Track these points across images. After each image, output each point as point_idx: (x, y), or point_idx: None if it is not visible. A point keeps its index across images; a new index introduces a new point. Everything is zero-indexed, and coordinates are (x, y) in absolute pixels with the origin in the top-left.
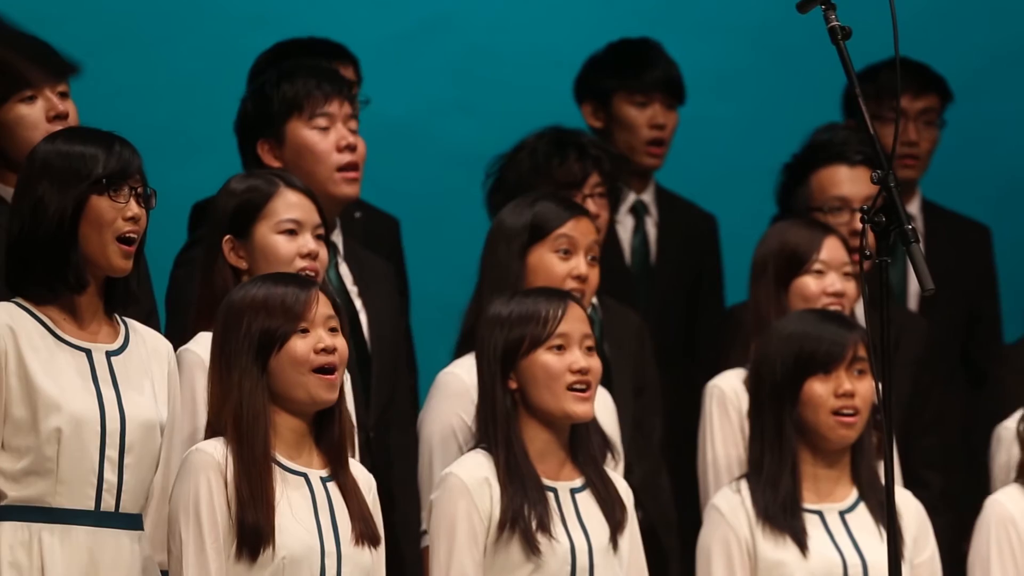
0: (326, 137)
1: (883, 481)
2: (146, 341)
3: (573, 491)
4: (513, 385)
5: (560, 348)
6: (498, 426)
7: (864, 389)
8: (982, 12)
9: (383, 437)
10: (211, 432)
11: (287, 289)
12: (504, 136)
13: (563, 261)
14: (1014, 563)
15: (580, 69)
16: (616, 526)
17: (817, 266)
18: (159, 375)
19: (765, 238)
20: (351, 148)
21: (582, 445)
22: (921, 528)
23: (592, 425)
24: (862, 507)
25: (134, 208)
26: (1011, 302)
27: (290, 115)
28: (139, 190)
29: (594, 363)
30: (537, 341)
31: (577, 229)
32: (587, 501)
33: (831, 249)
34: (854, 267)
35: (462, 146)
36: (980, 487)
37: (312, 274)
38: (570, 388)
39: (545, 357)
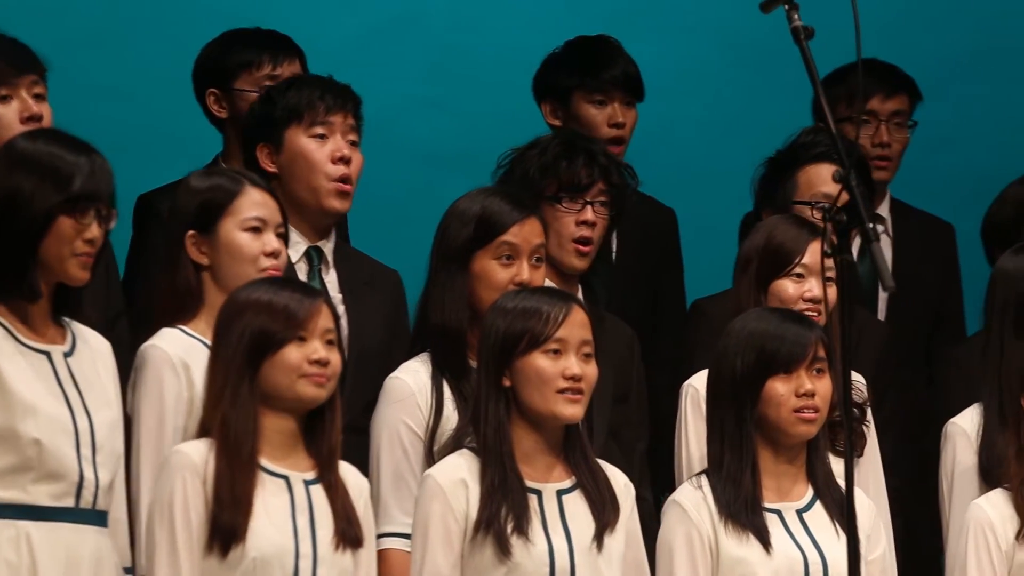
0: (322, 147)
1: (842, 480)
2: (88, 341)
3: (560, 492)
4: (507, 383)
5: (557, 352)
6: (488, 425)
7: (823, 388)
8: (947, 12)
9: (359, 439)
10: (202, 431)
11: (292, 296)
12: (475, 133)
13: (504, 268)
14: (991, 567)
15: (538, 68)
16: (604, 526)
17: (799, 269)
18: (105, 374)
19: (753, 233)
20: (345, 160)
21: (575, 445)
22: (873, 526)
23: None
24: (818, 505)
25: (94, 231)
26: (975, 301)
27: (290, 122)
28: (103, 212)
29: (589, 370)
30: (535, 342)
31: (521, 234)
32: (575, 502)
33: (815, 253)
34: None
35: (433, 143)
36: (936, 489)
37: (275, 272)
38: (560, 392)
39: (540, 360)
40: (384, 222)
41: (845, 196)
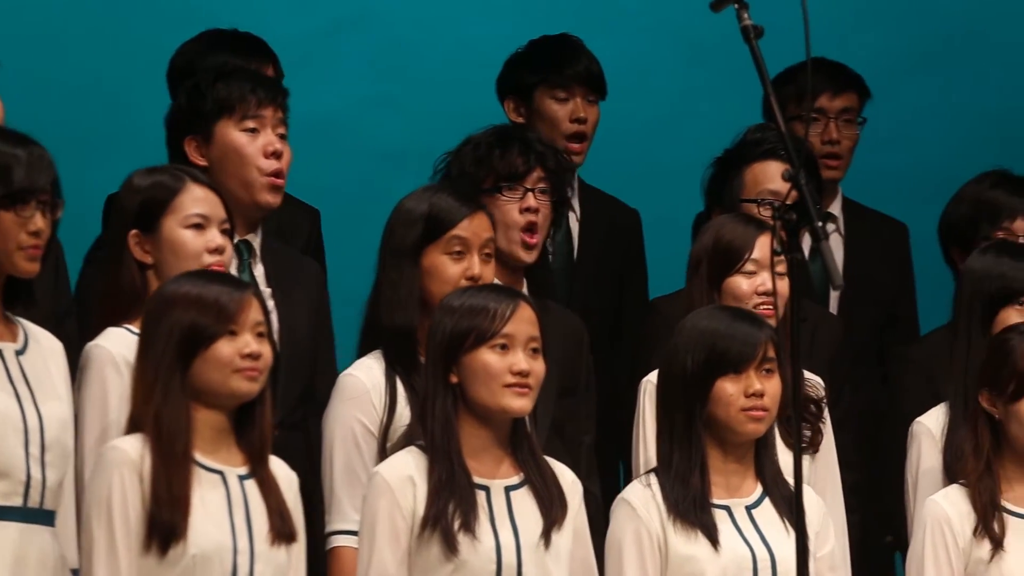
0: (254, 141)
1: (790, 477)
2: (40, 341)
3: (508, 488)
4: (454, 380)
5: (504, 348)
6: (436, 421)
7: (773, 388)
8: (896, 11)
9: (294, 435)
10: (132, 427)
11: (221, 289)
12: (426, 132)
13: (455, 262)
14: (949, 564)
15: (502, 66)
16: (552, 523)
17: (749, 265)
18: (57, 374)
19: (702, 234)
20: (277, 155)
21: (522, 442)
22: (823, 522)
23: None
24: (767, 502)
25: (38, 222)
26: (927, 300)
27: (221, 115)
28: (46, 202)
29: (537, 366)
30: (482, 338)
31: (471, 228)
32: (523, 499)
33: (764, 247)
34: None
35: (384, 142)
36: (888, 484)
37: (219, 268)
38: (507, 387)
39: (487, 355)
40: (337, 220)
41: (794, 194)
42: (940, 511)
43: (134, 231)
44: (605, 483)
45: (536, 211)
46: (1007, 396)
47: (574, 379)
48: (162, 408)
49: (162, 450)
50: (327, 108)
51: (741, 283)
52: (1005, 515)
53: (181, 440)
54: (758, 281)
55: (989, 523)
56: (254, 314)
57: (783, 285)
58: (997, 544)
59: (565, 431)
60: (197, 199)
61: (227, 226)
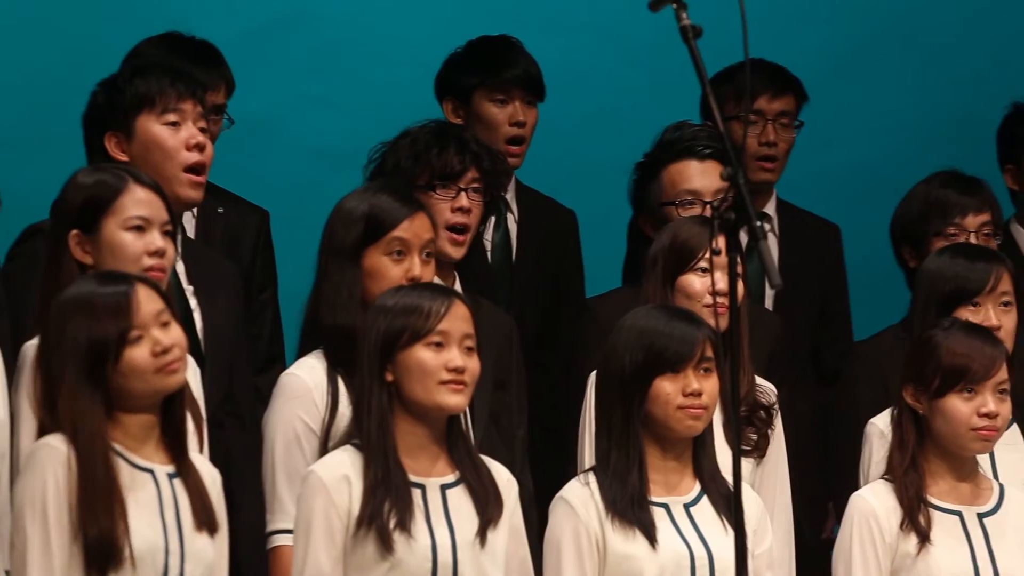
0: (176, 134)
1: (728, 474)
2: None
3: (444, 487)
4: (389, 378)
5: (439, 345)
6: (371, 419)
7: (711, 387)
8: (831, 12)
9: (215, 434)
10: (41, 432)
11: (109, 290)
12: (364, 131)
13: (396, 263)
14: (876, 558)
15: (441, 67)
16: (488, 522)
17: (703, 264)
18: None
19: (660, 233)
20: (200, 148)
21: (458, 440)
22: (760, 520)
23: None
24: (705, 500)
25: None
26: (859, 300)
27: (141, 109)
28: None
29: (472, 363)
30: (417, 335)
31: (411, 230)
32: (459, 497)
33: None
34: (742, 266)
35: (322, 141)
36: (843, 481)
37: (159, 272)
38: (443, 383)
39: (422, 352)
40: (276, 219)
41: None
42: (867, 506)
43: (75, 231)
44: (539, 482)
45: (468, 211)
46: (932, 392)
47: (506, 373)
48: (76, 422)
49: (82, 460)
50: (264, 107)
51: (694, 281)
52: (931, 510)
53: (100, 452)
54: (711, 281)
55: (915, 517)
56: (150, 306)
57: (739, 285)
58: (924, 538)
59: (500, 423)
60: (139, 201)
61: (170, 228)
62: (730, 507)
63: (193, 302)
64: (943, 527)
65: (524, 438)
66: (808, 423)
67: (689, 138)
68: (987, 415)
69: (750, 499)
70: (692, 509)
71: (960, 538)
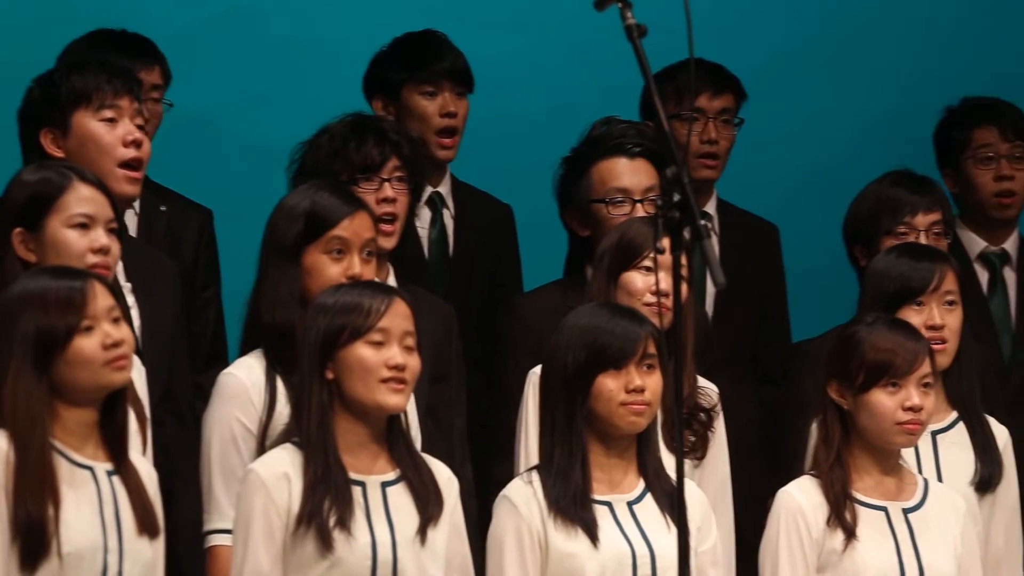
0: (112, 130)
1: (672, 472)
2: None
3: (384, 484)
4: (330, 376)
5: (379, 343)
6: (311, 417)
7: (653, 383)
8: (774, 11)
9: (155, 432)
10: None
11: (63, 284)
12: (307, 129)
13: (335, 262)
14: (803, 554)
15: (368, 65)
16: (428, 520)
17: (647, 263)
18: None
19: (609, 233)
20: (137, 144)
21: (398, 438)
22: (705, 517)
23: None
24: (649, 498)
25: None
26: (797, 301)
27: (77, 105)
28: None
29: (412, 361)
30: (357, 333)
31: (351, 228)
32: (399, 494)
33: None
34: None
35: (264, 138)
36: (774, 481)
37: (104, 270)
38: (383, 382)
39: (363, 350)
40: (218, 217)
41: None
42: (793, 502)
43: (18, 229)
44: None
45: (393, 201)
46: (857, 387)
47: (445, 364)
48: (18, 412)
49: (21, 452)
50: (205, 105)
51: (636, 279)
52: (856, 505)
53: (39, 442)
54: (653, 280)
55: (841, 513)
56: (103, 300)
57: (682, 286)
58: (850, 534)
59: (438, 416)
60: (83, 198)
61: (114, 226)
62: (674, 505)
63: (131, 299)
64: (869, 523)
65: (463, 429)
66: (748, 422)
67: (619, 135)
68: (912, 409)
69: (695, 497)
70: (635, 507)
71: (885, 534)
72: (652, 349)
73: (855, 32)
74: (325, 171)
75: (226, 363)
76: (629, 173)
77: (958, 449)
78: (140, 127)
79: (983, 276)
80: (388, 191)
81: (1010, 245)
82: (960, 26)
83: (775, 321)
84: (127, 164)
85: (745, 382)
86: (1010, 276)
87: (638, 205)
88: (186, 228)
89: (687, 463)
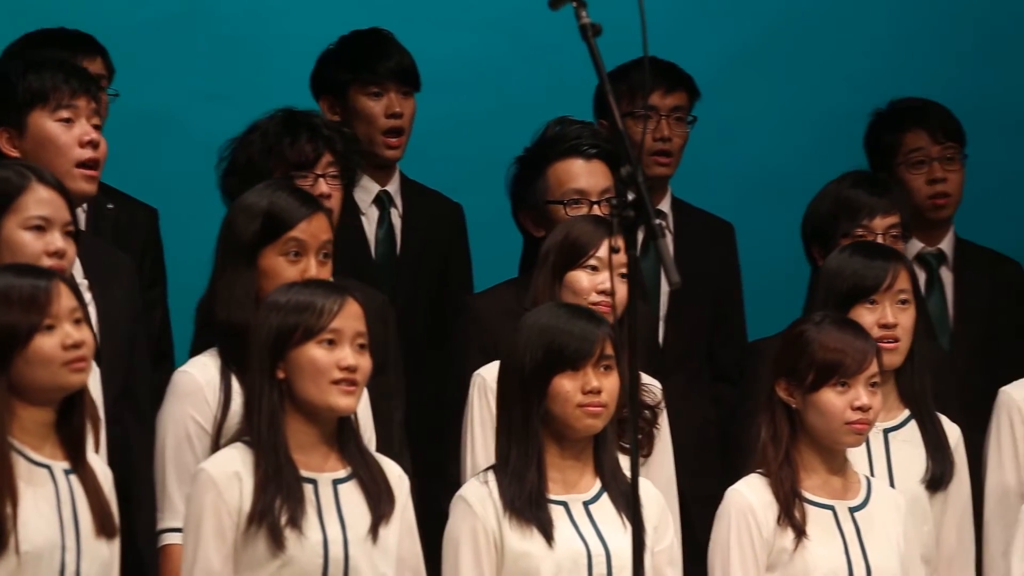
0: (69, 131)
1: (628, 472)
2: None
3: (335, 482)
4: (281, 375)
5: (331, 343)
6: (262, 416)
7: (610, 384)
8: (728, 10)
9: (111, 429)
10: None
11: (27, 282)
12: None
13: (292, 264)
14: (753, 552)
15: (314, 65)
16: (380, 518)
17: (592, 262)
18: None
19: (554, 230)
20: (93, 144)
21: (349, 436)
22: (661, 517)
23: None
24: (605, 497)
25: None
26: (753, 299)
27: (34, 105)
28: None
29: (363, 362)
30: (309, 333)
31: (308, 230)
32: (350, 492)
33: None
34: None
35: (216, 137)
36: (730, 480)
37: (59, 272)
38: (335, 383)
39: (314, 351)
40: (166, 216)
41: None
42: (744, 501)
43: None
44: (431, 483)
45: (328, 196)
46: (806, 386)
47: (383, 356)
48: None
49: None
50: (158, 103)
51: (582, 278)
52: (805, 504)
53: (3, 442)
54: (599, 279)
55: (791, 512)
56: (66, 301)
57: (623, 286)
58: (800, 533)
59: (378, 409)
60: (40, 200)
61: (71, 228)
62: (631, 505)
63: (88, 296)
64: (817, 522)
65: (402, 421)
66: (704, 421)
67: (574, 136)
68: (860, 408)
69: (651, 496)
70: (591, 507)
71: (834, 533)
72: (609, 350)
73: (811, 31)
74: (259, 168)
75: (172, 361)
76: (586, 175)
77: (910, 447)
78: (97, 127)
79: (920, 276)
80: (323, 187)
81: (946, 245)
82: (919, 26)
83: (731, 320)
84: (84, 164)
85: (701, 381)
86: (947, 276)
87: (595, 207)
88: (132, 227)
89: (624, 459)
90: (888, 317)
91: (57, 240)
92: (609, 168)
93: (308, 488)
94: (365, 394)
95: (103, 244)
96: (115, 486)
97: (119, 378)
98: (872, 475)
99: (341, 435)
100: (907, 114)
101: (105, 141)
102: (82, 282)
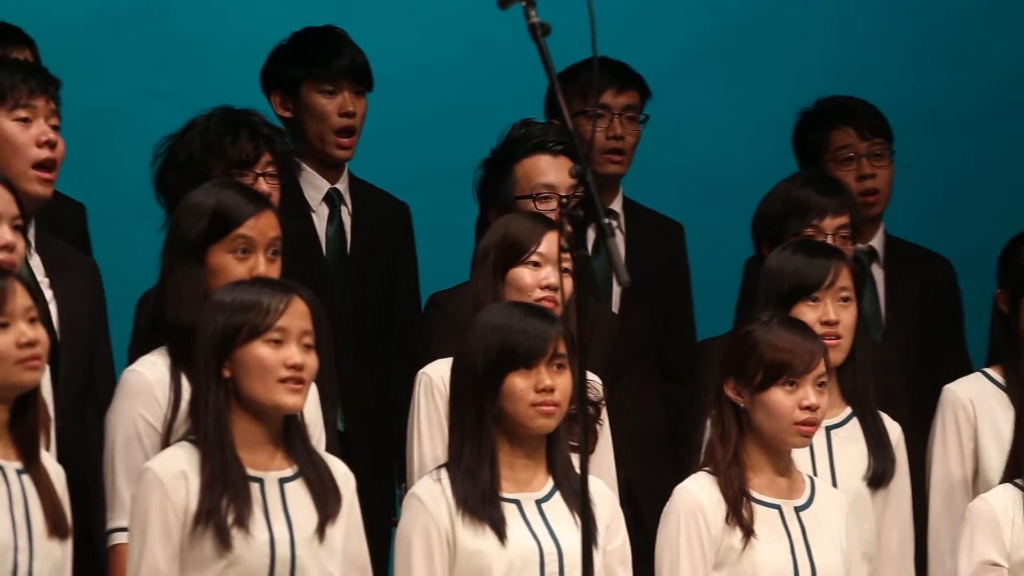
0: (26, 130)
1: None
2: None
3: (282, 481)
4: (227, 374)
5: (278, 342)
6: (208, 415)
7: (563, 383)
8: (678, 9)
9: (72, 427)
10: None
11: None
12: None
13: (240, 262)
14: (701, 550)
15: (266, 60)
16: (327, 517)
17: (534, 258)
18: None
19: (491, 229)
20: (51, 144)
21: (295, 435)
22: (613, 516)
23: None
24: (557, 496)
25: None
26: (703, 298)
27: None
28: None
29: (310, 360)
30: (256, 331)
31: (256, 227)
32: (297, 491)
33: (551, 243)
34: (572, 263)
35: (163, 134)
36: (679, 479)
37: (9, 266)
38: (282, 382)
39: (261, 349)
40: (115, 215)
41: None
42: (693, 499)
43: None
44: (381, 481)
45: (268, 195)
46: (754, 386)
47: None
48: None
49: None
50: (105, 100)
51: (525, 275)
52: (753, 503)
53: None
54: (542, 275)
55: (739, 511)
56: (21, 300)
57: (568, 283)
58: (748, 532)
59: (324, 408)
60: None
61: (19, 222)
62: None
63: (49, 294)
64: (764, 521)
65: (334, 421)
66: (655, 420)
67: (540, 134)
68: (809, 408)
69: (603, 495)
70: (544, 505)
71: (780, 532)
72: (562, 349)
73: (761, 32)
74: (199, 165)
75: (111, 359)
76: (553, 170)
77: (852, 444)
78: (56, 128)
79: None
80: (263, 186)
81: (876, 242)
82: (868, 27)
83: (680, 319)
84: (41, 165)
85: (652, 380)
86: (878, 273)
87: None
88: (62, 223)
89: (574, 457)
90: (830, 315)
91: (6, 234)
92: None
93: (255, 487)
94: (314, 393)
95: (66, 246)
96: (75, 485)
97: (79, 375)
98: (815, 473)
99: (287, 434)
100: (834, 112)
101: (63, 141)
102: (43, 280)
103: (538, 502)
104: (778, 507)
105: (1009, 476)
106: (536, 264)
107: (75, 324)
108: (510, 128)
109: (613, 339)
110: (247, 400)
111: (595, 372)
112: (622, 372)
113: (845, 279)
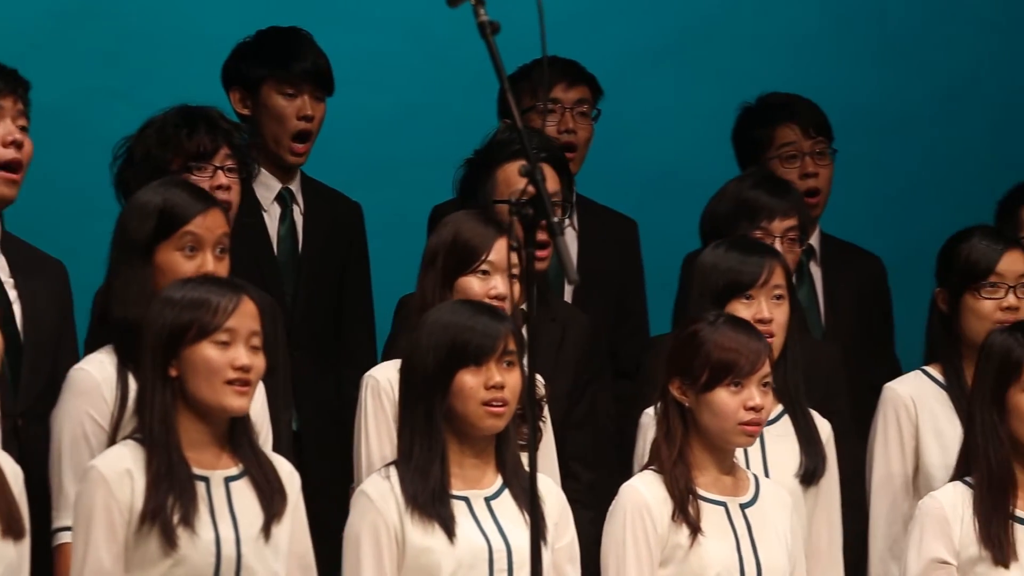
0: None
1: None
2: None
3: (228, 480)
4: (173, 373)
5: (225, 343)
6: (154, 414)
7: (513, 381)
8: (631, 7)
9: (35, 427)
10: None
11: None
12: None
13: (188, 259)
14: (648, 548)
15: (228, 56)
16: (272, 516)
17: (484, 267)
18: None
19: (440, 227)
20: (17, 145)
21: (241, 433)
22: (562, 514)
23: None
24: (506, 494)
25: None
26: (656, 296)
27: None
28: None
29: (257, 362)
30: (203, 332)
31: (204, 225)
32: (242, 490)
33: (501, 251)
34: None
35: (117, 133)
36: (627, 476)
37: None
38: (228, 383)
39: (208, 350)
40: (63, 213)
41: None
42: (639, 497)
43: None
44: (336, 480)
45: (228, 188)
46: (699, 386)
47: (272, 357)
48: None
49: None
50: (54, 99)
51: (473, 284)
52: (699, 501)
53: None
54: (491, 284)
55: (686, 509)
56: None
57: (517, 288)
58: (695, 530)
59: (273, 409)
60: None
61: None
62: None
63: (13, 294)
64: (710, 519)
65: (290, 422)
66: (607, 417)
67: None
68: (754, 408)
69: (552, 494)
70: (493, 503)
71: (726, 529)
72: (512, 346)
73: (710, 31)
74: (156, 161)
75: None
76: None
77: (784, 441)
78: (23, 128)
79: None
80: (221, 179)
81: (815, 241)
82: (816, 28)
83: (633, 316)
84: (6, 165)
85: (604, 377)
86: (816, 271)
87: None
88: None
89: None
90: (763, 312)
91: None
92: (557, 172)
93: (200, 486)
94: (261, 392)
95: (31, 247)
96: (38, 485)
97: (43, 374)
98: (748, 469)
99: (234, 433)
100: (777, 109)
101: (31, 142)
102: (8, 280)
103: (487, 500)
104: (724, 504)
105: (959, 474)
106: (485, 272)
107: (38, 324)
108: (494, 131)
109: (588, 342)
110: (193, 400)
111: (568, 376)
112: (592, 378)
113: (779, 277)
